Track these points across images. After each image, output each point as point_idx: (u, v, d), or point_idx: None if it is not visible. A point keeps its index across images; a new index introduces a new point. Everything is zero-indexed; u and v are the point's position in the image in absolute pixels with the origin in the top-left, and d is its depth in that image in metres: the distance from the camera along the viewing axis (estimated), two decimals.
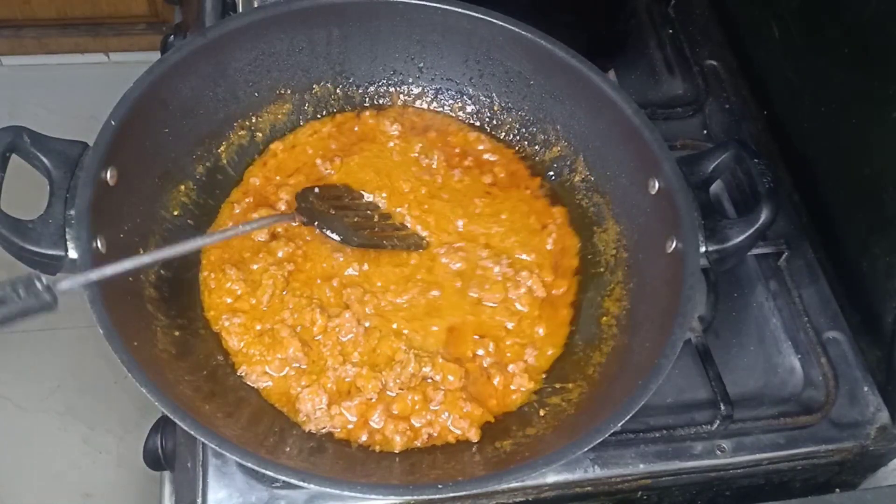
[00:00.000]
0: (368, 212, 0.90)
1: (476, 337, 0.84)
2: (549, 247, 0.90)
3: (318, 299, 0.84)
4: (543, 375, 0.83)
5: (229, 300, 0.83)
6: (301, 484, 0.65)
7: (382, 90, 0.98)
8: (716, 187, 0.97)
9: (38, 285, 0.66)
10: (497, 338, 0.84)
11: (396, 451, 0.77)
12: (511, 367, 0.82)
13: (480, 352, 0.83)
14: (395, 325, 0.83)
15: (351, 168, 0.93)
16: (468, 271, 0.87)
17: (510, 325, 0.85)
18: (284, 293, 0.84)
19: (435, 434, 0.78)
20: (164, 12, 1.97)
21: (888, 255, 0.86)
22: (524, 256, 0.89)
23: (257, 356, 0.80)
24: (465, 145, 0.97)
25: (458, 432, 0.78)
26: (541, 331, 0.85)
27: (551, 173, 0.95)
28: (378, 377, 0.80)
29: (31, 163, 0.75)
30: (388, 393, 0.80)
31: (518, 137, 0.97)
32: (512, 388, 0.82)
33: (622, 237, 0.89)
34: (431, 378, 0.81)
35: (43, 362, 1.57)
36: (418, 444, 0.78)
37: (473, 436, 0.78)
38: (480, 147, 0.97)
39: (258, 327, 0.82)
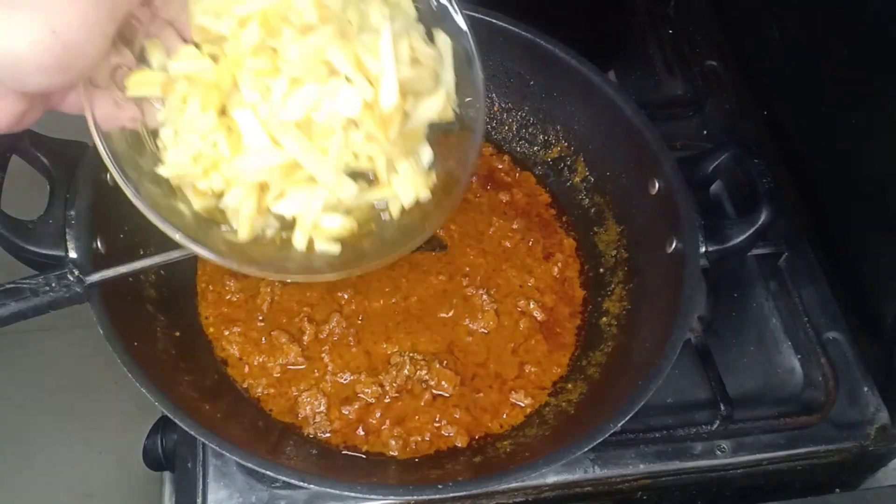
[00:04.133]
0: None
1: (474, 353, 0.83)
2: (555, 274, 0.90)
3: (308, 307, 0.84)
4: (546, 393, 0.83)
5: (226, 310, 0.83)
6: (301, 484, 0.66)
7: None
8: (716, 187, 0.97)
9: (70, 277, 0.67)
10: (498, 358, 0.84)
11: (395, 454, 0.77)
12: (511, 387, 0.82)
13: (481, 372, 0.83)
14: (386, 328, 0.83)
15: None
16: (455, 295, 0.87)
17: (510, 346, 0.84)
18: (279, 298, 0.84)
19: (427, 440, 0.78)
20: None
21: (888, 255, 0.86)
22: (526, 282, 0.88)
23: (257, 364, 0.80)
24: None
25: (449, 435, 0.78)
26: (543, 352, 0.84)
27: (551, 174, 0.96)
28: (376, 380, 0.80)
29: (31, 163, 0.75)
30: (386, 398, 0.80)
31: (518, 138, 0.97)
32: (511, 402, 0.81)
33: (622, 237, 0.89)
34: (426, 382, 0.81)
35: (43, 362, 1.57)
36: (414, 447, 0.78)
37: (461, 443, 0.78)
38: (499, 166, 0.97)
39: (256, 335, 0.82)
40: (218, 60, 0.63)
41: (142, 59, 0.65)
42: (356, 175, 0.70)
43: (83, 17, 0.51)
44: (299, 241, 0.69)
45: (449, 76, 0.72)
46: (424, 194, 0.71)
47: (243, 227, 0.67)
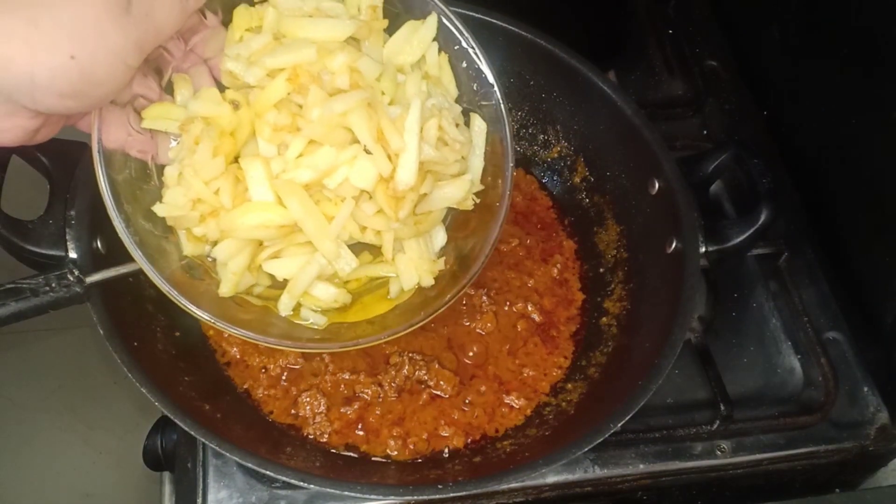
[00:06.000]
0: None
1: (472, 354, 0.83)
2: (554, 275, 0.90)
3: None
4: (543, 395, 0.83)
5: None
6: (301, 484, 0.66)
7: None
8: (716, 187, 0.97)
9: (70, 277, 0.67)
10: (496, 359, 0.84)
11: (394, 454, 0.77)
12: (508, 389, 0.82)
13: (479, 373, 0.83)
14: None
15: None
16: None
17: (508, 348, 0.84)
18: None
19: (425, 439, 0.78)
20: None
21: (888, 255, 0.86)
22: (525, 283, 0.88)
23: (257, 364, 0.80)
24: None
25: (447, 436, 0.78)
26: (541, 355, 0.84)
27: (551, 174, 0.96)
28: (375, 380, 0.80)
29: (31, 163, 0.75)
30: (386, 398, 0.80)
31: (518, 138, 0.97)
32: (509, 404, 0.81)
33: (622, 237, 0.89)
34: (425, 382, 0.81)
35: (43, 362, 1.57)
36: (413, 447, 0.78)
37: (458, 443, 0.78)
38: None
39: None
40: (239, 108, 0.62)
41: (168, 92, 0.64)
42: (361, 245, 0.68)
43: (106, 46, 0.50)
44: (285, 306, 0.67)
45: (478, 163, 0.71)
46: (427, 280, 0.70)
47: (227, 282, 0.65)
